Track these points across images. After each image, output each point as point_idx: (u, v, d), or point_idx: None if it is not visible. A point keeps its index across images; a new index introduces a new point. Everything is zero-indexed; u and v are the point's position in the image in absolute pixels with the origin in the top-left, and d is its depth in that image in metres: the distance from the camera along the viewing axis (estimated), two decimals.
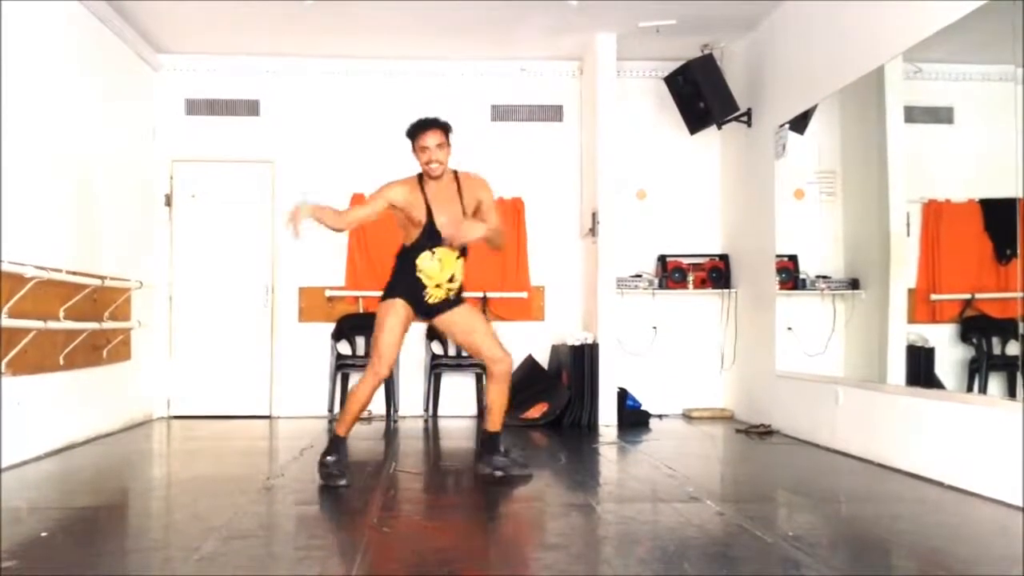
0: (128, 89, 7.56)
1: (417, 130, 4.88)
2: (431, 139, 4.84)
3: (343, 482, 4.78)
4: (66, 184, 6.22)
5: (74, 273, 6.07)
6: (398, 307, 4.92)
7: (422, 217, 4.87)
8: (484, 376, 7.87)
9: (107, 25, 6.94)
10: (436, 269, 4.92)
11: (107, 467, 5.84)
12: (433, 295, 4.97)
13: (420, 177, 4.96)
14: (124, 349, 7.21)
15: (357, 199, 8.14)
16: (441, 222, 4.88)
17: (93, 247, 6.60)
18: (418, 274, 4.91)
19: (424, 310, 5.03)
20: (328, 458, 4.86)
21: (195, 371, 8.17)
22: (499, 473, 5.09)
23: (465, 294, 8.08)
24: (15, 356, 5.32)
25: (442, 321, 5.13)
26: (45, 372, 5.81)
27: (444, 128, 4.90)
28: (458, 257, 4.98)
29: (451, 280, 4.99)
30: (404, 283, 4.96)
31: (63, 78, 6.22)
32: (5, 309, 5.16)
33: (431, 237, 4.88)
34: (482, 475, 5.13)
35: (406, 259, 4.97)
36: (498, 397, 5.11)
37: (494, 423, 5.15)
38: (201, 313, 8.21)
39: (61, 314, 5.92)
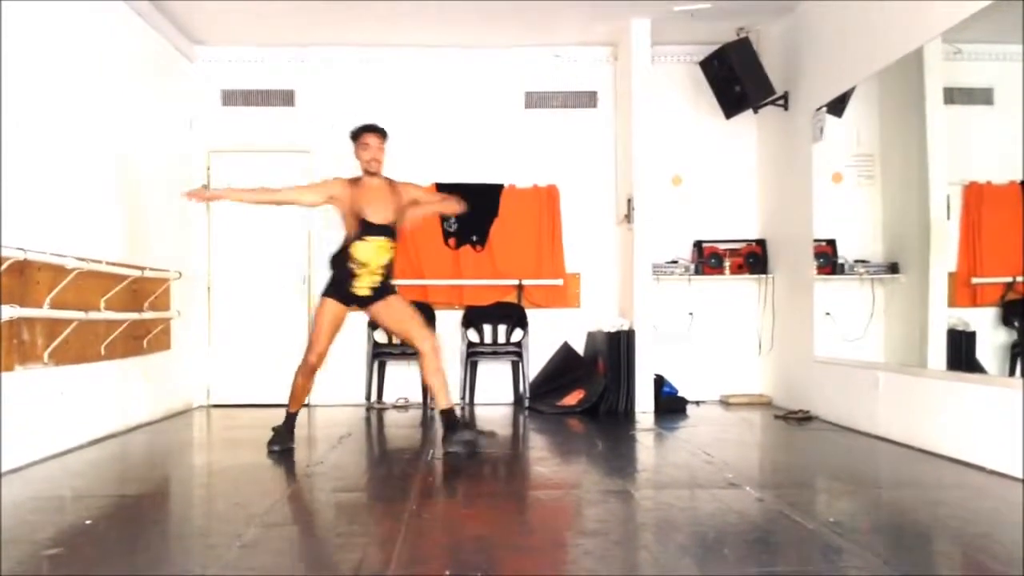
0: (165, 81, 7.62)
1: (362, 131, 5.65)
2: (373, 140, 5.62)
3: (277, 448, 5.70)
4: (105, 176, 6.29)
5: (114, 264, 6.14)
6: (328, 305, 5.59)
7: (360, 209, 5.50)
8: (516, 364, 8.00)
9: (144, 18, 7.01)
10: (371, 256, 5.50)
11: (149, 455, 5.93)
12: (360, 288, 5.56)
13: (356, 178, 5.64)
14: (164, 339, 7.30)
15: None
16: (374, 214, 5.50)
17: (132, 238, 6.67)
18: (350, 264, 5.51)
19: (355, 301, 5.63)
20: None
21: (234, 360, 8.27)
22: (466, 449, 5.39)
23: (501, 281, 8.19)
24: (58, 346, 5.40)
25: (373, 311, 5.74)
26: (87, 362, 5.89)
27: (383, 134, 5.68)
28: (392, 247, 5.57)
29: (386, 266, 5.58)
30: (334, 281, 5.58)
31: (101, 71, 6.28)
32: (47, 300, 5.25)
33: (365, 228, 5.48)
34: (451, 453, 5.39)
35: (340, 254, 5.58)
36: (435, 373, 5.54)
37: (443, 401, 5.50)
38: (239, 302, 8.30)
39: (102, 305, 6.00)
